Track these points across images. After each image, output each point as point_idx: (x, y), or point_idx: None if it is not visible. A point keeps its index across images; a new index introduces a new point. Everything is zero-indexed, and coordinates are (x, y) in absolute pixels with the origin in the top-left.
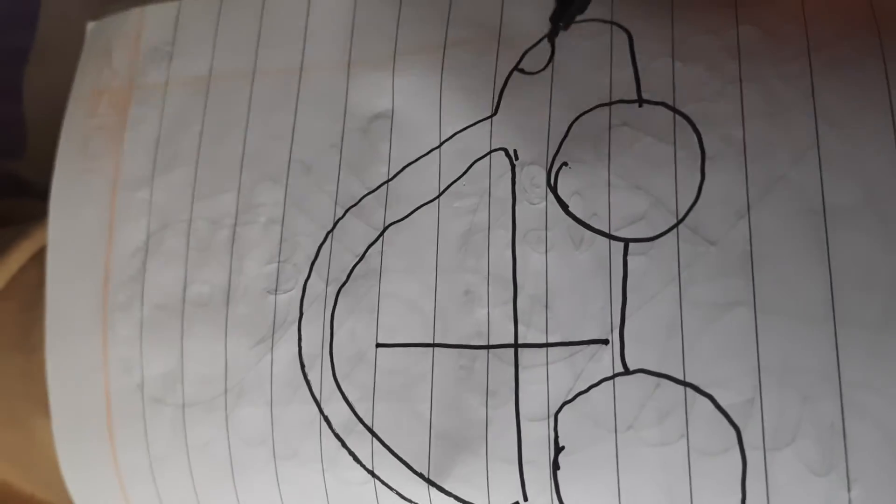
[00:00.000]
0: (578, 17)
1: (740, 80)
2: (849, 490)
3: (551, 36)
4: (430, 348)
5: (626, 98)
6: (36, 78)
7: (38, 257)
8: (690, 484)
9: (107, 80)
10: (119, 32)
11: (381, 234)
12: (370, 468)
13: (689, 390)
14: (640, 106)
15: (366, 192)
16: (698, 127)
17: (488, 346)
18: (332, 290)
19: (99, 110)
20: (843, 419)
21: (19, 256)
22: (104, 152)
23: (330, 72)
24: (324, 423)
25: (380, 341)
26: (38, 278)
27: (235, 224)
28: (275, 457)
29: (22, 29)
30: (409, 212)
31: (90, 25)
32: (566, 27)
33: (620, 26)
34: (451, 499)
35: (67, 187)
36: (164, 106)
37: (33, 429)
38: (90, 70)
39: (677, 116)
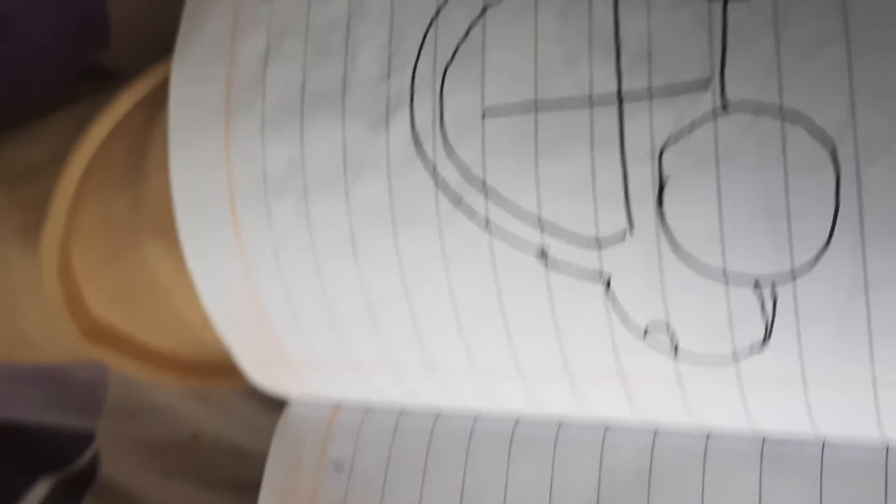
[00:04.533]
0: None
1: None
2: None
3: None
4: (533, 108)
5: None
6: None
7: (144, 104)
8: (787, 200)
9: None
10: None
11: (482, 13)
12: (485, 220)
13: (786, 117)
14: None
15: None
16: None
17: (591, 99)
18: (440, 68)
19: None
20: None
21: (126, 103)
22: None
23: None
24: (439, 188)
25: (487, 106)
26: (145, 121)
27: (348, 23)
28: (394, 224)
29: None
30: None
31: None
32: None
33: None
34: (562, 236)
35: (194, 13)
36: None
37: (143, 257)
38: None
39: None
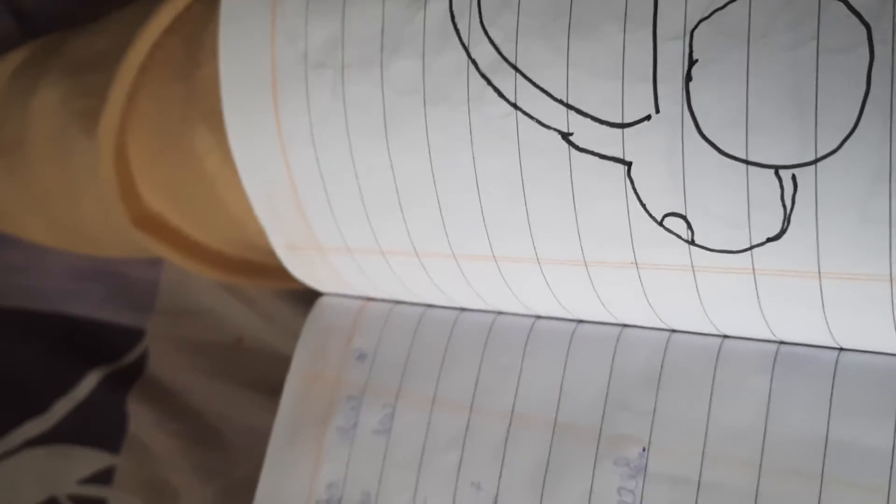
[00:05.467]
0: None
1: None
2: None
3: None
4: None
5: None
6: None
7: None
8: (817, 81)
9: None
10: None
11: None
12: (513, 102)
13: None
14: None
15: None
16: None
17: None
18: None
19: None
20: None
21: None
22: None
23: None
24: (471, 66)
25: None
26: (202, 13)
27: None
28: (425, 103)
29: None
30: None
31: None
32: None
33: None
34: (588, 119)
35: None
36: None
37: (192, 145)
38: None
39: None
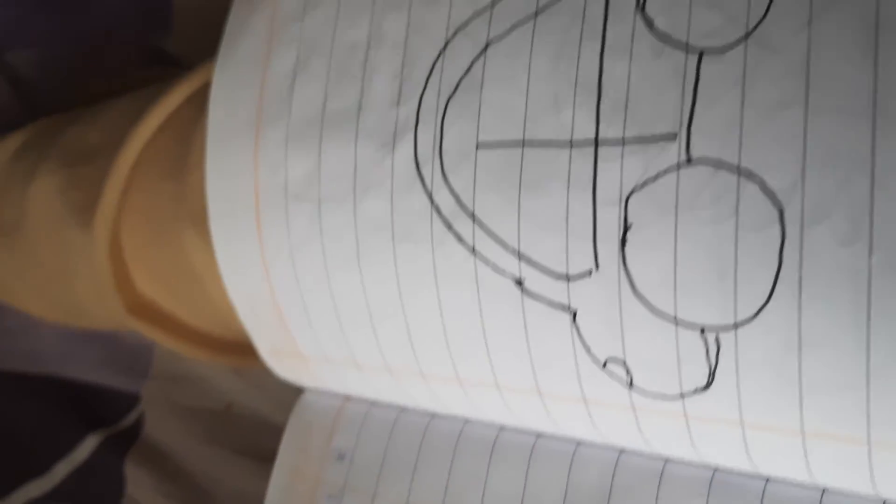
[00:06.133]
0: None
1: None
2: (870, 257)
3: None
4: (520, 146)
5: None
6: None
7: (193, 99)
8: (736, 254)
9: None
10: None
11: (484, 50)
12: (471, 247)
13: (742, 175)
14: None
15: (472, 13)
16: None
17: (571, 143)
18: (443, 100)
19: None
20: (871, 198)
21: (177, 97)
22: None
23: None
24: (434, 211)
25: (480, 141)
26: (192, 116)
27: (367, 49)
28: (393, 239)
29: None
30: (508, 29)
31: None
32: None
33: None
34: (537, 269)
35: (236, 25)
36: None
37: (182, 244)
38: None
39: None
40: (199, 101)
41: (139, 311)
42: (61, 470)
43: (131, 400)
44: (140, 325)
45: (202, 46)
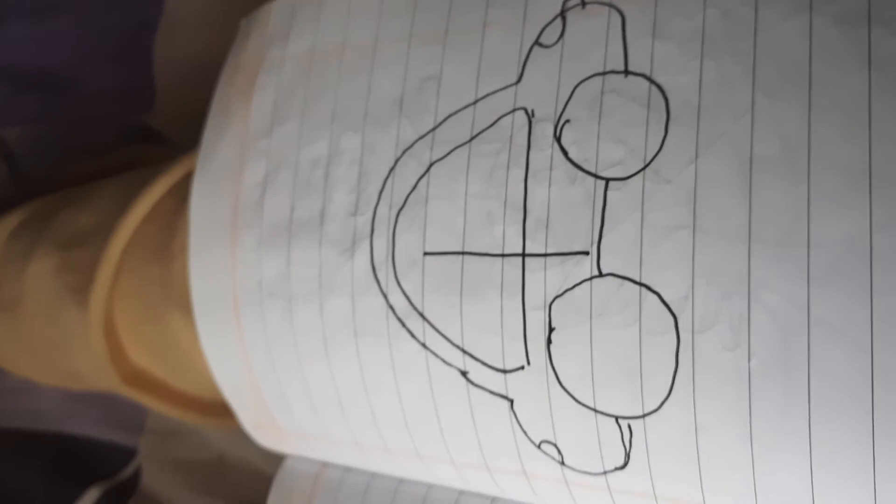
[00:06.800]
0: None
1: (701, 57)
2: (749, 361)
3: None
4: (461, 256)
5: (616, 69)
6: (164, 44)
7: (174, 190)
8: (640, 355)
9: (244, 59)
10: (256, 24)
11: (428, 169)
12: (422, 342)
13: (643, 289)
14: (625, 76)
15: (417, 137)
16: (667, 94)
17: (503, 255)
18: (393, 212)
19: (237, 81)
20: (749, 311)
21: (160, 188)
22: (238, 111)
23: (396, 44)
24: (389, 310)
25: (426, 250)
26: (174, 206)
27: (328, 165)
28: (355, 334)
29: (151, 2)
30: (448, 152)
31: (242, 22)
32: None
33: (616, 8)
34: (479, 363)
35: (213, 135)
36: (280, 75)
37: (169, 323)
38: (235, 51)
39: (652, 86)
40: (180, 190)
41: (132, 380)
42: None
43: (129, 453)
44: (134, 393)
45: (184, 121)
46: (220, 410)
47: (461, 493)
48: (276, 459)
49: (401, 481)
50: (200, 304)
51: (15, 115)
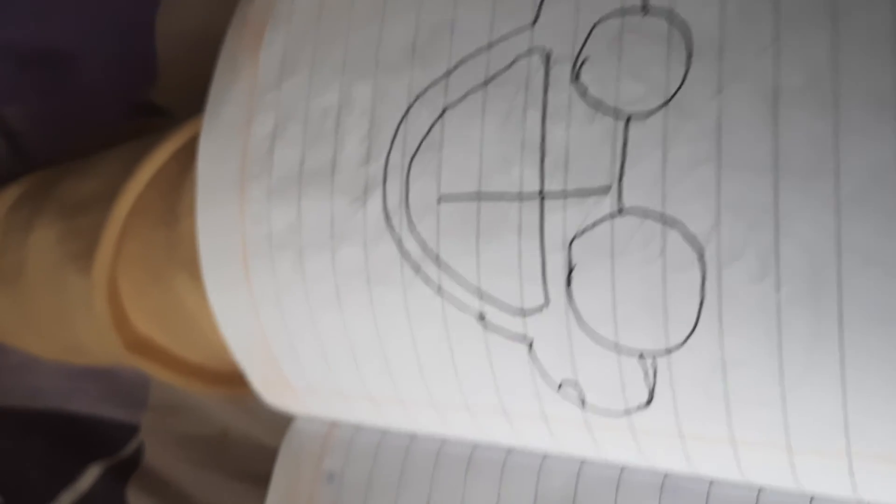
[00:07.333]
0: None
1: None
2: (778, 291)
3: None
4: (477, 199)
5: (635, 5)
6: (166, 18)
7: (178, 155)
8: (664, 290)
9: (251, 14)
10: None
11: (441, 114)
12: (437, 288)
13: (666, 223)
14: (645, 12)
15: (430, 83)
16: (690, 28)
17: (521, 195)
18: (406, 159)
19: (243, 37)
20: (776, 241)
21: (164, 153)
22: (246, 66)
23: None
24: (403, 257)
25: (441, 193)
26: (178, 169)
27: (339, 114)
28: (368, 282)
29: None
30: (462, 96)
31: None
32: None
33: None
34: (496, 306)
35: (219, 92)
36: (289, 28)
37: (175, 287)
38: (241, 8)
39: (673, 21)
40: (184, 155)
41: (136, 348)
42: (66, 500)
43: (131, 430)
44: (138, 361)
45: (186, 96)
46: (224, 379)
47: (475, 447)
48: (281, 432)
49: (413, 438)
50: (209, 260)
51: (16, 92)
